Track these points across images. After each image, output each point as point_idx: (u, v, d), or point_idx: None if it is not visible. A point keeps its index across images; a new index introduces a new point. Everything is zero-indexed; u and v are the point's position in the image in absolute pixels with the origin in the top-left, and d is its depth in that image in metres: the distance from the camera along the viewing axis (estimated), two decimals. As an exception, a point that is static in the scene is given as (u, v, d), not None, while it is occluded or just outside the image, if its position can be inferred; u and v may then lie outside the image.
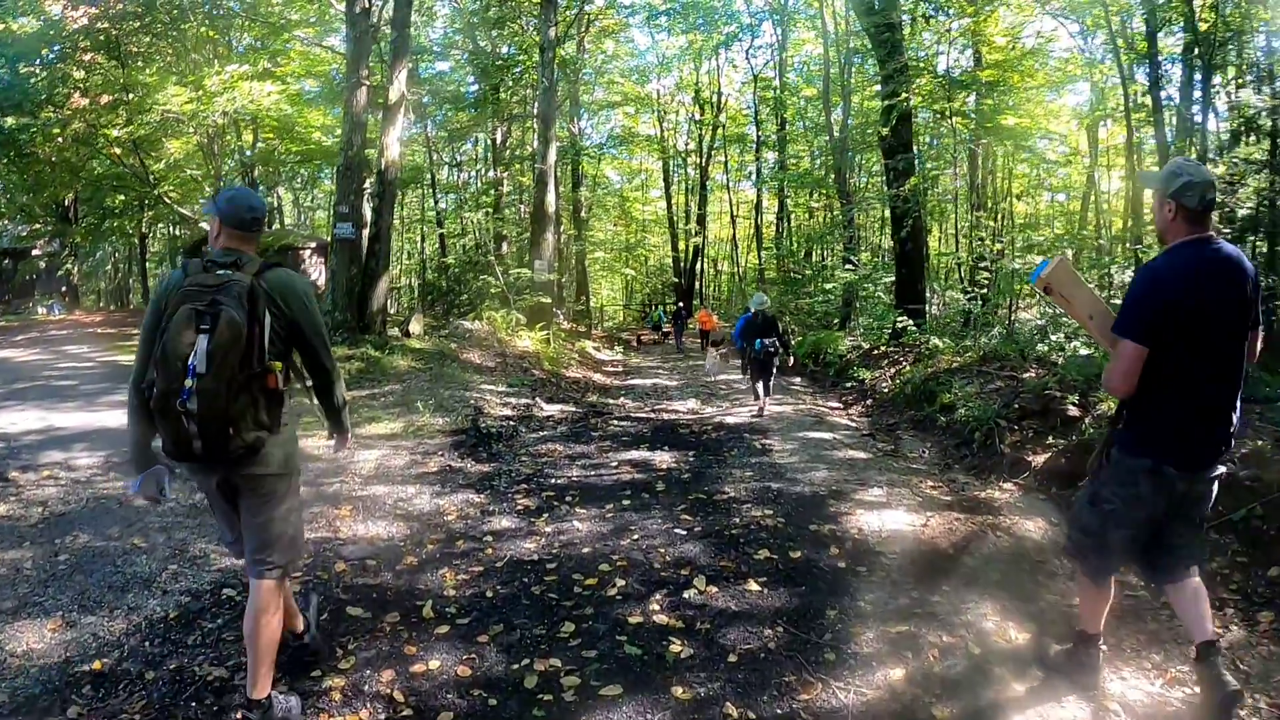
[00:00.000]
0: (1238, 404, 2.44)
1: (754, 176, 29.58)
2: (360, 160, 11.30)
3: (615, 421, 8.12)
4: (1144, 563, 2.63)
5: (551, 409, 8.77)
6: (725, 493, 5.17)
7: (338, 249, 11.36)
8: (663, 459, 6.23)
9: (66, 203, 24.51)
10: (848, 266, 15.90)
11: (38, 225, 26.09)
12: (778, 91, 25.86)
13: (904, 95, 12.12)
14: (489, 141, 28.54)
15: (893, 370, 11.30)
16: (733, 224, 34.67)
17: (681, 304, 27.19)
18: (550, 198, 14.89)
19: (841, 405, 10.62)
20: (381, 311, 11.67)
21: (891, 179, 12.89)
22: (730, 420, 8.32)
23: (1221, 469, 2.48)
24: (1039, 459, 5.56)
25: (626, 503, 4.93)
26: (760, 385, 8.54)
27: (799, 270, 24.75)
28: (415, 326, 11.94)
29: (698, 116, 33.70)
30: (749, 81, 30.80)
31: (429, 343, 11.26)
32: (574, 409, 8.93)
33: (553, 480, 5.55)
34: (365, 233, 11.89)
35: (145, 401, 2.22)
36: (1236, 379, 2.41)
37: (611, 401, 10.18)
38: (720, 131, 32.59)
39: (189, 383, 2.09)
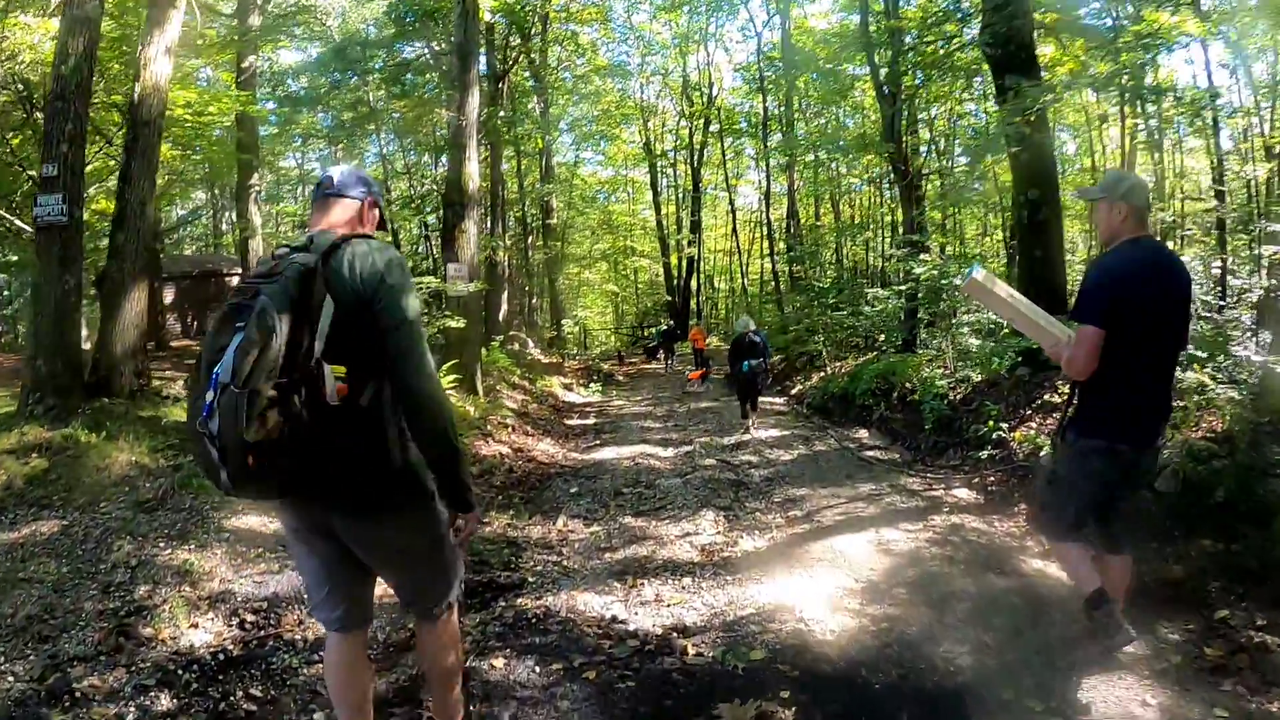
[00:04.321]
0: (1173, 389, 2.94)
1: (763, 153, 24.10)
2: (83, 85, 6.08)
3: (507, 677, 2.82)
4: (1102, 533, 2.75)
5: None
6: None
7: (40, 243, 6.07)
8: None
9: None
10: (922, 258, 10.47)
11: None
12: (783, 59, 20.80)
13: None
14: (446, 141, 23.81)
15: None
16: (733, 226, 29.45)
17: (674, 323, 23.25)
18: (471, 168, 9.55)
19: (978, 494, 5.85)
20: (136, 354, 6.37)
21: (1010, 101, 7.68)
22: (826, 639, 3.09)
23: (1161, 441, 2.74)
24: None
25: None
26: (747, 405, 8.81)
27: (818, 278, 19.81)
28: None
29: (686, 110, 29.01)
30: (746, 65, 25.93)
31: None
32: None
33: None
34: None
35: None
36: (1173, 367, 2.70)
37: (535, 535, 4.82)
38: (713, 132, 27.77)
39: (209, 395, 1.54)
